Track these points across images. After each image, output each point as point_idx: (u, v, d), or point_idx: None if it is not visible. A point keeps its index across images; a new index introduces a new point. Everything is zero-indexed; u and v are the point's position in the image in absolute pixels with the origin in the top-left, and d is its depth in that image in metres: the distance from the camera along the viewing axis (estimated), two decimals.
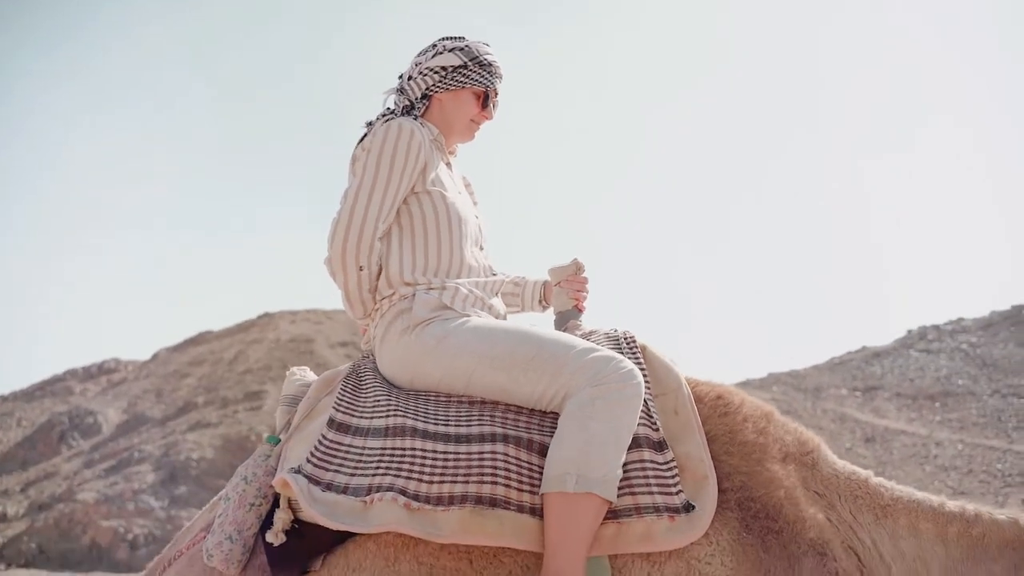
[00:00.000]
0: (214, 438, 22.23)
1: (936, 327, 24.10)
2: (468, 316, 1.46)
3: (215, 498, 1.49)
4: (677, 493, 1.28)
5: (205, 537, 1.39)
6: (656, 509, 1.27)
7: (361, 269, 1.47)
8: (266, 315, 30.00)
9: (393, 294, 1.49)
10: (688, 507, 1.27)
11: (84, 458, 23.78)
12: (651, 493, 1.28)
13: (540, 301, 1.75)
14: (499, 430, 1.33)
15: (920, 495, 1.43)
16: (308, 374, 1.56)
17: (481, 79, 1.61)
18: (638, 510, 1.27)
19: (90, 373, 31.61)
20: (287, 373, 1.57)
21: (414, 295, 1.47)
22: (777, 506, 1.32)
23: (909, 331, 24.80)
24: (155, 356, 30.93)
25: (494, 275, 1.65)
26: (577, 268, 1.67)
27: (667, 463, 1.32)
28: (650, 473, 1.31)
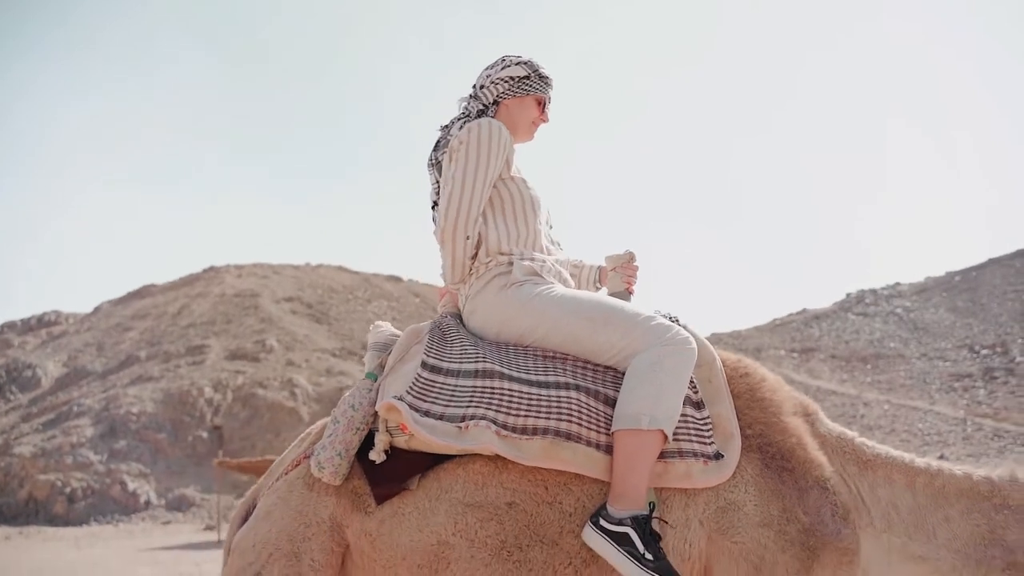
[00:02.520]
0: (155, 392, 21.90)
1: (874, 291, 24.73)
2: (553, 284, 1.77)
3: (305, 432, 1.79)
4: (710, 444, 1.60)
5: (304, 460, 1.66)
6: (695, 454, 1.58)
7: (468, 238, 1.76)
8: (211, 268, 29.41)
9: (491, 261, 1.79)
10: (718, 456, 1.58)
11: (22, 412, 23.27)
12: (691, 441, 1.59)
13: (595, 282, 2.08)
14: (571, 380, 1.62)
15: (895, 453, 1.72)
16: (391, 327, 1.86)
17: (541, 87, 1.92)
18: (680, 453, 1.58)
19: (29, 326, 30.76)
20: (372, 326, 1.88)
21: (511, 262, 1.78)
22: (790, 450, 1.63)
23: (848, 295, 25.41)
24: (97, 309, 30.20)
25: (560, 250, 1.98)
26: (630, 258, 1.97)
27: (704, 419, 1.63)
28: (691, 426, 1.61)
